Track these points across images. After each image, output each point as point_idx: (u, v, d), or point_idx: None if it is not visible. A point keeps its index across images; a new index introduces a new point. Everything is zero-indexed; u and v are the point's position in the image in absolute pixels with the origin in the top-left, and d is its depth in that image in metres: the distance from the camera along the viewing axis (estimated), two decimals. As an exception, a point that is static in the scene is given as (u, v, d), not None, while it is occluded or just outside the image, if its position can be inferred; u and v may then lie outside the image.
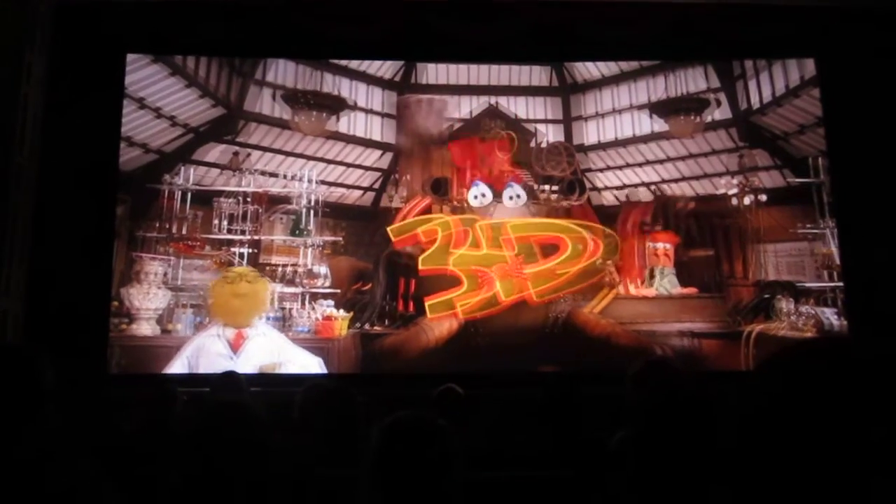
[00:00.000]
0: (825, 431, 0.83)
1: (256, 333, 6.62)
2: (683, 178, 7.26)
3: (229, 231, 6.90)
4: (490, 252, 6.84)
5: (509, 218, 7.02)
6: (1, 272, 5.65)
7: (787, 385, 0.88)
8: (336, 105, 7.34)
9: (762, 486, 0.85)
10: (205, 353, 6.49)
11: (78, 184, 6.29)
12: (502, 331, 6.75)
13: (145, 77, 7.00)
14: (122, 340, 6.51)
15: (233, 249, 6.85)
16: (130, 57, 6.92)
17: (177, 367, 6.45)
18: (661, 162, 7.34)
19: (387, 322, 6.79)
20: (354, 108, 7.39)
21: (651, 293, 6.96)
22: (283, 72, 7.33)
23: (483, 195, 6.99)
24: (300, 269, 6.89)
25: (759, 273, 6.97)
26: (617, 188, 7.29)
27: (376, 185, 7.25)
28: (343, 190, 7.19)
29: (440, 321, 6.72)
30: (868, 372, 0.86)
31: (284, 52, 7.22)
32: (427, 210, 7.11)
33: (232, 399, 2.42)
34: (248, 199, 6.98)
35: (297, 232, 6.99)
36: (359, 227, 7.12)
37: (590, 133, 7.47)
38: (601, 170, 7.35)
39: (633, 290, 6.96)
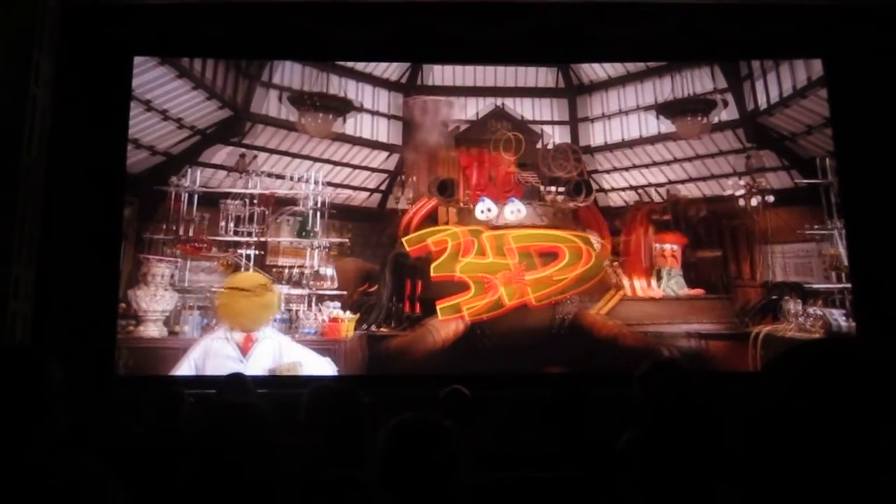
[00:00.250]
0: (832, 432, 0.82)
1: (265, 336, 6.64)
2: (690, 179, 7.25)
3: (236, 233, 6.91)
4: (495, 260, 6.91)
5: (516, 224, 7.05)
6: (10, 274, 5.67)
7: (794, 386, 0.88)
8: (342, 107, 7.35)
9: (769, 487, 0.85)
10: (214, 356, 6.50)
11: (86, 186, 6.32)
12: (509, 332, 6.75)
13: (152, 79, 7.03)
14: (130, 342, 6.53)
15: (239, 251, 6.86)
16: (137, 60, 6.95)
17: (184, 369, 6.46)
18: (668, 163, 7.33)
19: (393, 324, 6.79)
20: (361, 109, 7.40)
21: (658, 294, 6.94)
22: (290, 74, 7.34)
23: (489, 210, 7.09)
24: (307, 271, 6.90)
25: (767, 274, 6.95)
26: (623, 189, 7.28)
27: (383, 187, 7.26)
28: (349, 191, 7.20)
29: (446, 323, 6.73)
30: (875, 372, 0.86)
31: (291, 54, 7.24)
32: (433, 211, 7.12)
33: (239, 400, 2.42)
34: (255, 201, 6.99)
35: (304, 234, 7.00)
36: (365, 228, 7.13)
37: (596, 134, 7.46)
38: (608, 171, 7.34)
39: (640, 292, 6.95)
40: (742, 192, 7.12)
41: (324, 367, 6.54)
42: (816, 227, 6.97)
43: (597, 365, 6.47)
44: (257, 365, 6.48)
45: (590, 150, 7.38)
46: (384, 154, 7.35)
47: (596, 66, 7.56)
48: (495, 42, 6.84)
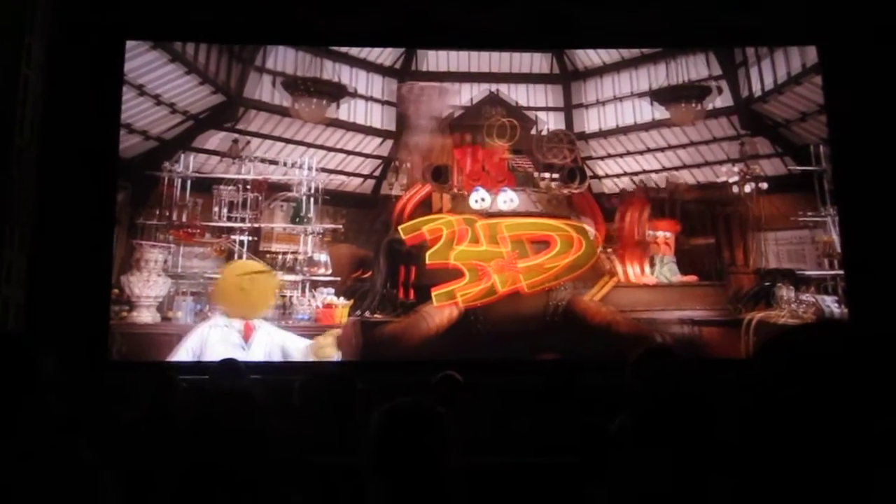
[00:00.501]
0: (826, 421, 0.82)
1: (264, 323, 6.65)
2: (684, 166, 7.25)
3: (229, 219, 6.89)
4: (489, 248, 6.91)
5: (510, 213, 7.05)
6: (2, 260, 5.65)
7: (786, 374, 0.87)
8: (336, 92, 7.32)
9: (763, 475, 0.85)
10: (216, 343, 6.49)
11: (78, 171, 6.28)
12: (502, 319, 6.75)
13: (145, 64, 6.98)
14: (123, 328, 6.52)
15: (233, 237, 6.85)
16: (130, 44, 6.89)
17: (181, 356, 6.46)
18: (662, 150, 7.32)
19: (387, 310, 6.79)
20: (354, 95, 7.37)
21: (651, 281, 6.96)
22: (283, 59, 7.30)
23: (482, 199, 7.09)
24: (300, 257, 6.89)
25: (760, 261, 6.96)
26: (618, 176, 7.28)
27: (376, 173, 7.24)
28: (343, 177, 7.18)
29: (440, 309, 6.73)
30: (866, 356, 0.86)
31: (284, 38, 7.19)
32: (427, 198, 7.11)
33: (231, 386, 2.42)
34: (248, 187, 6.97)
35: (298, 220, 6.99)
36: (359, 214, 7.11)
37: (590, 121, 7.45)
38: (602, 157, 7.33)
39: (633, 278, 6.96)
40: (736, 178, 7.13)
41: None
42: (810, 213, 6.99)
43: (590, 351, 6.49)
44: (260, 350, 6.51)
45: (584, 137, 7.36)
46: (378, 140, 7.33)
47: (591, 52, 7.53)
48: (490, 28, 6.82)
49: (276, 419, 1.94)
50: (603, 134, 7.41)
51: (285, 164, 7.07)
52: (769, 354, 0.94)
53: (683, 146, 7.29)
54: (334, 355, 6.57)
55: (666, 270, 6.97)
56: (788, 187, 7.10)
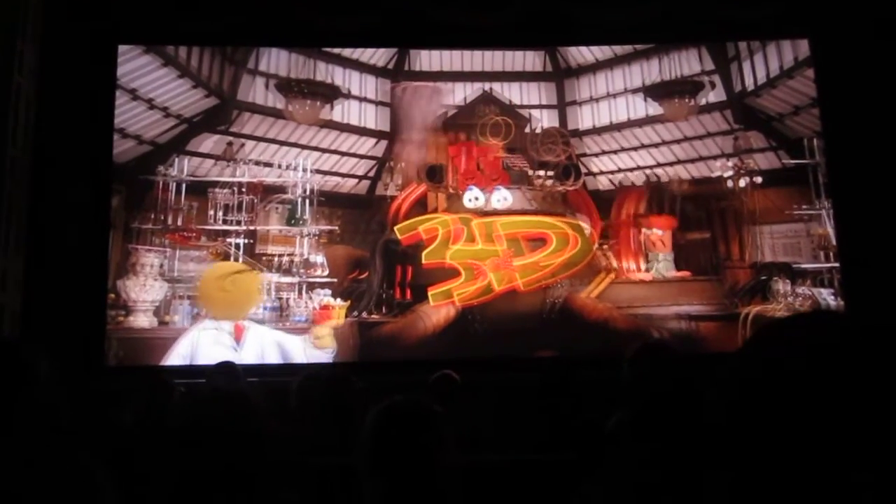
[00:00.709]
0: (817, 412, 0.82)
1: (253, 323, 6.64)
2: (679, 162, 7.26)
3: (225, 221, 6.88)
4: (484, 247, 6.92)
5: (504, 211, 7.06)
6: (-3, 266, 5.64)
7: (778, 361, 0.87)
8: (330, 93, 7.31)
9: (758, 473, 0.84)
10: (209, 346, 6.48)
11: (72, 176, 6.28)
12: (499, 317, 6.76)
13: (137, 68, 6.97)
14: (120, 332, 6.51)
15: (228, 240, 6.84)
16: (122, 48, 6.88)
17: (174, 361, 6.45)
18: (656, 145, 7.33)
19: (384, 310, 6.79)
20: (348, 96, 7.37)
21: (648, 277, 6.97)
22: (276, 61, 7.29)
23: (476, 198, 7.10)
24: (297, 259, 6.89)
25: (756, 255, 6.98)
26: (612, 172, 7.28)
27: (371, 174, 7.24)
28: (338, 178, 7.18)
29: (437, 309, 6.74)
30: (860, 348, 0.85)
31: (277, 40, 7.19)
32: (422, 197, 7.11)
33: (228, 389, 2.42)
34: (243, 190, 6.96)
35: (293, 221, 6.98)
36: (354, 215, 7.11)
37: (584, 118, 7.46)
38: (596, 154, 7.34)
39: (629, 274, 6.97)
40: (730, 173, 7.14)
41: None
42: (804, 207, 7.00)
43: (587, 348, 6.50)
44: (251, 352, 6.50)
45: (578, 134, 7.37)
46: (372, 140, 7.33)
47: (583, 49, 7.54)
48: (482, 27, 6.81)
49: (274, 421, 1.94)
50: (597, 131, 7.41)
51: (280, 167, 7.07)
52: (762, 343, 0.93)
53: (677, 141, 7.30)
54: (332, 345, 6.56)
55: (661, 267, 6.97)
56: (783, 181, 7.11)
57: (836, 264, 6.81)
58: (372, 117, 7.40)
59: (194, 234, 6.81)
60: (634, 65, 7.49)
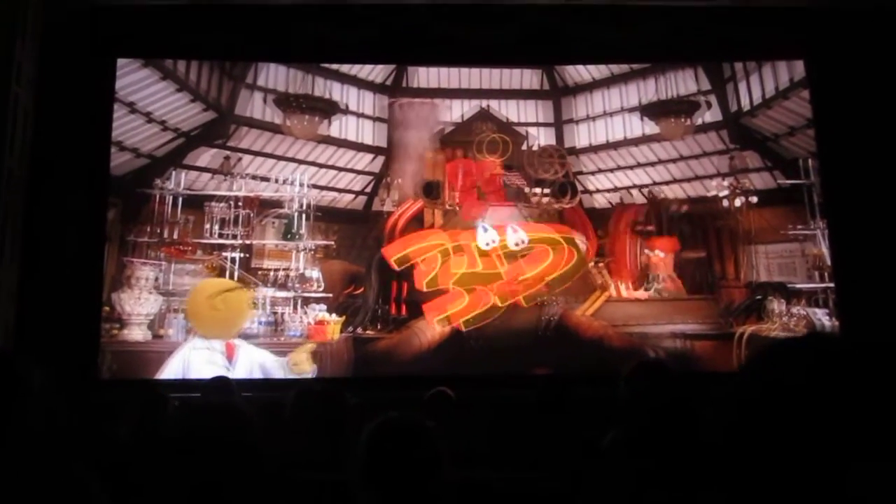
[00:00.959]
0: (812, 436, 0.82)
1: (243, 342, 6.61)
2: (675, 181, 7.28)
3: (221, 235, 6.88)
4: (486, 270, 6.91)
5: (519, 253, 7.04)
6: (-9, 278, 5.62)
7: (768, 391, 0.87)
8: (328, 108, 7.33)
9: (751, 493, 0.84)
10: (201, 366, 6.41)
11: (69, 188, 6.27)
12: (495, 334, 6.75)
13: (136, 81, 6.98)
14: (114, 346, 6.48)
15: (224, 254, 6.83)
16: (121, 61, 6.89)
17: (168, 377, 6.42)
18: (652, 164, 7.35)
19: (379, 326, 6.78)
20: (346, 111, 7.39)
21: (643, 295, 6.97)
22: (275, 75, 7.32)
23: (493, 241, 7.00)
24: (292, 273, 6.88)
25: (751, 274, 6.99)
26: (608, 191, 7.30)
27: (368, 189, 7.25)
28: (335, 194, 7.19)
29: (433, 325, 6.73)
30: (856, 371, 0.85)
31: (275, 55, 7.21)
32: (419, 213, 7.11)
33: (222, 403, 2.41)
34: (240, 204, 6.96)
35: (289, 236, 6.98)
36: (351, 230, 7.11)
37: (581, 136, 7.48)
38: (592, 172, 7.36)
39: (625, 293, 6.98)
40: (726, 192, 7.16)
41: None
42: (799, 227, 7.02)
43: (583, 365, 6.48)
44: (243, 369, 6.47)
45: (574, 152, 7.39)
46: (369, 156, 7.34)
47: (580, 67, 7.58)
48: (480, 44, 6.84)
49: (268, 436, 1.93)
50: (593, 149, 7.44)
51: (277, 181, 7.07)
52: (760, 365, 0.94)
53: (673, 161, 7.32)
54: (310, 370, 6.52)
55: (661, 288, 6.98)
56: (778, 201, 7.13)
57: (831, 284, 6.82)
58: (369, 133, 7.41)
59: (190, 248, 6.80)
60: (631, 84, 7.52)
